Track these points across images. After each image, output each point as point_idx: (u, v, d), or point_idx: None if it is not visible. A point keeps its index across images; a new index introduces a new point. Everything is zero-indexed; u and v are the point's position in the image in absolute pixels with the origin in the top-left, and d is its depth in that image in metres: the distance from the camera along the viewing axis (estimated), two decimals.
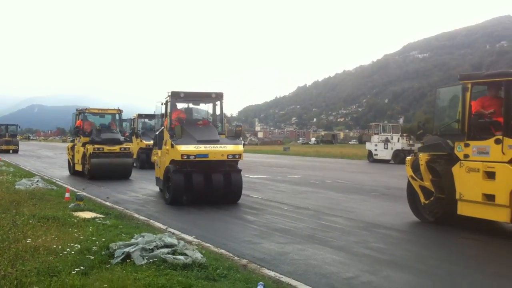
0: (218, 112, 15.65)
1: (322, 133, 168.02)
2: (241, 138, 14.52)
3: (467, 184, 9.79)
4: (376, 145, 39.83)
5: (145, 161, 27.69)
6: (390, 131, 40.40)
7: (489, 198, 9.37)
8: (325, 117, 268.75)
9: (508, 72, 9.59)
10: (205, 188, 13.39)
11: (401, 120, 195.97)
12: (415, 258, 7.85)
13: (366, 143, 43.14)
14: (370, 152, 40.72)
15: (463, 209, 10.01)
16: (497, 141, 9.23)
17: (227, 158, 13.33)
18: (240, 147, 13.71)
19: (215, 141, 13.67)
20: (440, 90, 11.81)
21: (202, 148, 13.24)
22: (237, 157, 13.46)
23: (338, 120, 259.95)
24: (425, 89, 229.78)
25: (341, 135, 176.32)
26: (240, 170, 13.93)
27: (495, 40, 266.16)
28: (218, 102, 15.46)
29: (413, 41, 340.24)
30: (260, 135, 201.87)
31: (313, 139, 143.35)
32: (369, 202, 14.32)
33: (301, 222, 10.82)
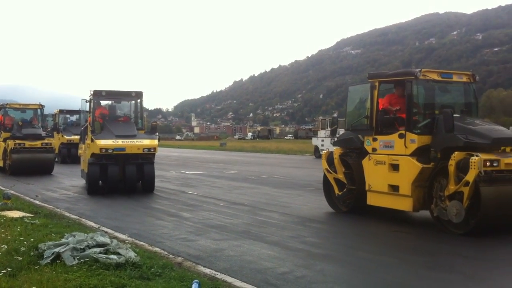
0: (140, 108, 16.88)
1: (259, 128, 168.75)
2: (157, 133, 15.83)
3: (375, 176, 10.50)
4: (322, 140, 37.76)
5: (66, 156, 28.49)
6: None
7: (394, 188, 10.08)
8: (261, 112, 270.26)
9: (409, 71, 10.27)
10: (120, 179, 14.70)
11: (335, 115, 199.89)
12: (348, 251, 8.04)
13: (313, 138, 41.41)
14: (316, 148, 38.85)
15: (371, 200, 10.72)
16: (401, 136, 9.94)
17: (143, 151, 14.66)
18: (155, 141, 15.06)
19: (132, 136, 14.97)
20: (351, 88, 12.57)
21: (119, 142, 14.51)
22: (152, 150, 14.83)
23: (274, 115, 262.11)
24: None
25: (277, 130, 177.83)
26: (153, 162, 15.11)
27: (424, 37, 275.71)
28: (138, 100, 16.67)
29: (346, 37, 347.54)
30: (196, 130, 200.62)
31: (249, 134, 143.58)
32: (304, 197, 14.53)
33: (237, 218, 10.84)
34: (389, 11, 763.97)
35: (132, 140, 14.71)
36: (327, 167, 11.78)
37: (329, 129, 38.51)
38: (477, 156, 8.69)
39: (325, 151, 12.27)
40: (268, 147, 58.39)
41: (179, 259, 7.16)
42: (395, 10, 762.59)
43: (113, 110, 16.95)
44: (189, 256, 7.40)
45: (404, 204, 10.00)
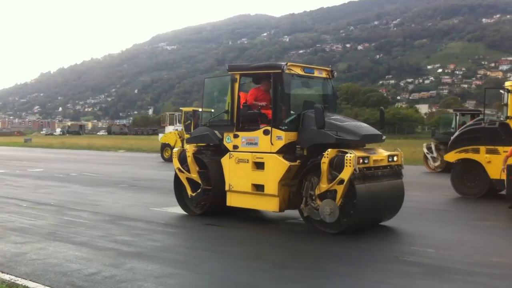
0: None
1: (69, 123, 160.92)
2: None
3: (237, 175, 9.86)
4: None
5: None
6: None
7: (259, 188, 9.60)
8: (72, 106, 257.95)
9: (275, 64, 9.78)
10: None
11: (150, 111, 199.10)
12: (161, 248, 7.96)
13: (160, 135, 37.16)
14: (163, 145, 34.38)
15: (232, 200, 10.09)
16: (266, 132, 9.45)
17: None
18: None
19: None
20: (208, 80, 11.73)
21: None
22: None
23: (86, 110, 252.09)
24: (173, 80, 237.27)
25: (89, 125, 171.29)
26: None
27: (237, 37, 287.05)
28: None
29: (162, 33, 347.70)
30: None
31: (58, 130, 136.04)
32: (117, 194, 14.16)
33: (41, 219, 10.14)
34: (204, 9, 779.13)
35: None
36: (179, 166, 10.76)
37: (178, 124, 36.06)
38: (351, 153, 8.50)
39: (177, 149, 11.18)
40: (79, 143, 55.93)
41: None
42: (209, 9, 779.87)
43: None
44: None
45: (269, 205, 9.58)
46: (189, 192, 10.66)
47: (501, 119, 14.38)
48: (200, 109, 30.32)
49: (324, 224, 8.77)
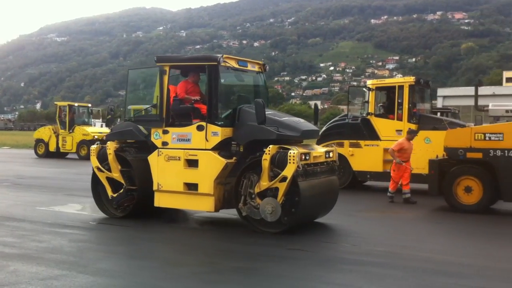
0: None
1: None
2: None
3: (167, 174, 9.33)
4: None
5: None
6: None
7: (192, 187, 9.15)
8: None
9: (210, 56, 9.42)
10: None
11: (38, 105, 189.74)
12: (47, 249, 7.59)
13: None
14: None
15: (161, 201, 9.55)
16: (200, 128, 9.01)
17: None
18: None
19: None
20: (132, 72, 11.18)
21: None
22: None
23: None
24: (63, 73, 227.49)
25: None
26: None
27: (131, 30, 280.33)
28: None
29: (51, 24, 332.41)
30: None
31: None
32: None
33: None
34: (97, 0, 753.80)
35: None
36: (99, 164, 9.95)
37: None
38: (295, 150, 8.25)
39: (95, 146, 10.24)
40: None
41: None
42: (103, 0, 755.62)
43: None
44: None
45: (204, 204, 9.12)
46: (109, 192, 9.93)
47: (363, 115, 15.33)
48: (76, 104, 30.17)
49: (265, 223, 8.51)
